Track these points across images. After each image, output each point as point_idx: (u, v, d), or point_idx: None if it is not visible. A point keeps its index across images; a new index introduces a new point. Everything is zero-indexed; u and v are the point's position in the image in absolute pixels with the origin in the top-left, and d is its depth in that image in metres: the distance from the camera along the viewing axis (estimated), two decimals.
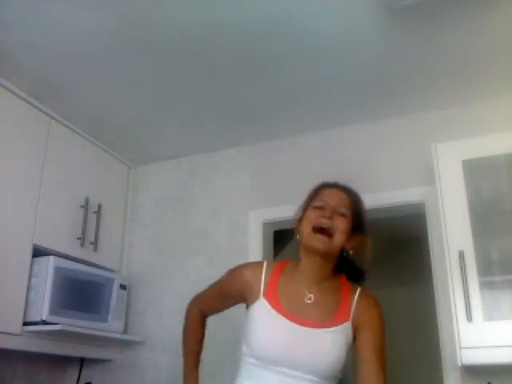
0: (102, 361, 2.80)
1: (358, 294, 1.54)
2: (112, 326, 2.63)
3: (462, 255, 2.01)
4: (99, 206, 2.73)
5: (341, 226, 1.50)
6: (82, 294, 2.50)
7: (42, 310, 2.27)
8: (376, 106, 2.56)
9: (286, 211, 2.74)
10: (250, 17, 1.95)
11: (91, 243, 2.65)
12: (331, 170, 2.70)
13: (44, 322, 2.26)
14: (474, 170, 2.16)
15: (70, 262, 2.47)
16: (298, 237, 1.58)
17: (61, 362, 2.79)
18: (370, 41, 2.08)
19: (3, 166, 2.26)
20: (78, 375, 2.79)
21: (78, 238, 2.58)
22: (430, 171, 2.22)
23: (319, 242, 1.48)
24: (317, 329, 1.45)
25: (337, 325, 1.47)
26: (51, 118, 2.53)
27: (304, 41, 2.08)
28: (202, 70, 2.28)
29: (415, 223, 2.61)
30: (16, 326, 2.21)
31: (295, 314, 1.47)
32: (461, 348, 1.95)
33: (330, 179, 1.70)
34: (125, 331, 2.76)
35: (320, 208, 1.53)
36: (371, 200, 2.55)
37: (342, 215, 1.52)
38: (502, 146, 2.11)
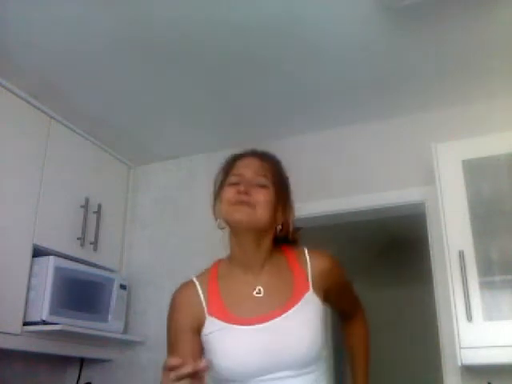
0: (102, 361, 2.80)
1: (307, 256, 1.38)
2: (112, 326, 2.63)
3: (462, 255, 2.01)
4: (99, 206, 2.73)
5: (261, 197, 1.31)
6: (81, 293, 2.50)
7: (42, 310, 2.27)
8: (376, 106, 2.56)
9: None
10: (250, 17, 1.95)
11: (91, 243, 2.65)
12: (331, 169, 2.71)
13: (44, 322, 2.26)
14: (474, 170, 2.16)
15: (70, 261, 2.47)
16: (218, 224, 1.40)
17: (61, 361, 2.79)
18: (369, 41, 2.08)
19: (3, 166, 2.25)
20: (78, 375, 2.79)
21: (77, 238, 2.58)
22: (430, 171, 2.22)
23: (241, 212, 1.29)
24: (278, 317, 1.27)
25: (298, 301, 1.30)
26: (51, 118, 2.53)
27: (304, 41, 2.08)
28: (201, 70, 2.28)
29: (415, 223, 2.61)
30: (16, 326, 2.21)
31: (250, 315, 1.28)
32: (461, 348, 1.95)
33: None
34: (125, 331, 2.76)
35: (235, 184, 1.34)
36: (371, 200, 2.57)
37: (261, 186, 1.34)
38: (502, 146, 2.11)
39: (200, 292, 1.34)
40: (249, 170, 1.38)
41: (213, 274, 1.39)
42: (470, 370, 2.13)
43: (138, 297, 2.88)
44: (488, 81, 2.32)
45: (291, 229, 1.42)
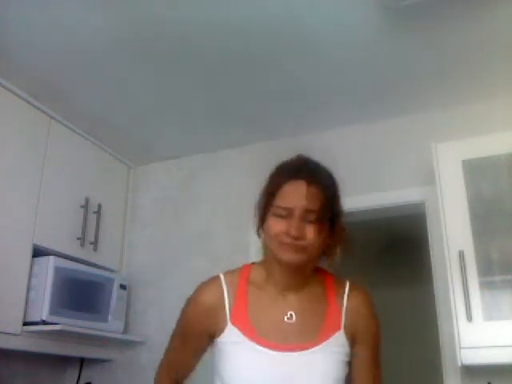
0: (102, 361, 2.80)
1: (346, 292, 1.28)
2: (112, 326, 2.63)
3: (462, 255, 2.01)
4: (99, 206, 2.73)
5: (313, 238, 1.19)
6: (82, 293, 2.50)
7: (42, 310, 2.27)
8: (376, 106, 2.56)
9: None
10: (250, 17, 1.95)
11: (91, 243, 2.65)
12: (331, 170, 2.71)
13: (44, 322, 2.26)
14: (474, 170, 2.16)
15: (70, 261, 2.47)
16: (259, 235, 1.29)
17: (61, 361, 2.79)
18: (369, 41, 2.08)
19: (3, 166, 2.25)
20: (78, 375, 2.79)
21: (77, 238, 2.58)
22: (430, 171, 2.22)
23: (291, 255, 1.19)
24: (305, 350, 1.18)
25: (328, 338, 1.21)
26: (51, 118, 2.53)
27: (304, 41, 2.08)
28: (202, 70, 2.28)
29: (415, 223, 2.61)
30: (16, 326, 2.21)
31: (275, 340, 1.19)
32: (461, 348, 1.95)
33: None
34: (125, 331, 2.76)
35: (284, 217, 1.19)
36: (371, 200, 2.57)
37: (314, 221, 1.19)
38: (502, 146, 2.11)
39: (226, 295, 1.24)
40: (301, 200, 1.19)
41: (243, 279, 1.28)
42: (470, 370, 2.13)
43: (137, 297, 2.88)
44: (488, 81, 2.32)
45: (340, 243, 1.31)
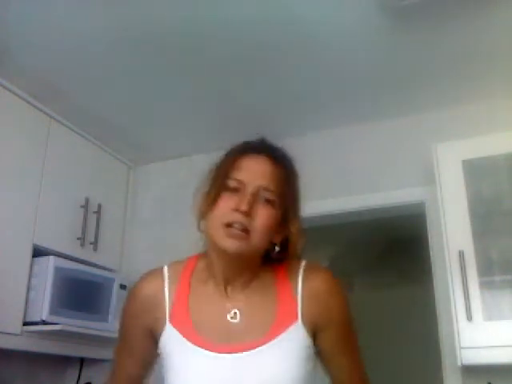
0: (102, 361, 2.79)
1: (301, 276, 1.10)
2: (112, 325, 2.63)
3: (462, 255, 2.01)
4: (99, 206, 2.73)
5: (263, 221, 1.05)
6: (81, 294, 2.50)
7: (42, 310, 2.26)
8: (376, 106, 2.56)
9: None
10: (250, 17, 1.95)
11: (91, 243, 2.65)
12: (331, 170, 2.71)
13: (44, 322, 2.26)
14: (474, 170, 2.16)
15: (70, 262, 2.47)
16: (200, 224, 1.19)
17: (61, 361, 2.79)
18: (369, 41, 2.08)
19: (3, 166, 2.25)
20: (77, 375, 2.79)
21: (77, 238, 2.57)
22: (430, 171, 2.22)
23: (232, 242, 1.05)
24: (251, 350, 1.04)
25: (279, 333, 1.05)
26: (51, 117, 2.53)
27: (303, 41, 2.08)
28: (202, 70, 2.28)
29: (415, 223, 2.61)
30: (16, 326, 2.21)
31: (218, 340, 1.05)
32: (461, 348, 1.95)
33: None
34: None
35: (234, 190, 1.07)
36: (371, 200, 2.57)
37: (267, 202, 1.07)
38: (502, 146, 2.12)
39: (166, 290, 1.12)
40: (257, 175, 1.08)
41: (187, 272, 1.15)
42: (470, 370, 2.13)
43: None
44: (488, 81, 2.32)
45: (294, 244, 1.13)
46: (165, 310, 1.10)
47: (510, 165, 2.15)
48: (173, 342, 1.07)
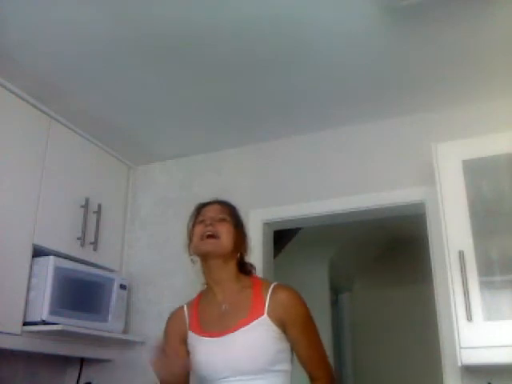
0: (102, 361, 2.80)
1: (271, 288, 1.64)
2: (112, 325, 2.63)
3: (462, 255, 2.01)
4: (99, 206, 2.73)
5: (223, 228, 1.69)
6: (82, 293, 2.50)
7: (42, 310, 2.26)
8: (376, 106, 2.56)
9: (285, 211, 2.76)
10: (250, 17, 1.95)
11: (91, 243, 2.65)
12: (331, 169, 2.71)
13: (44, 322, 2.26)
14: (474, 170, 2.16)
15: (70, 261, 2.47)
16: (191, 259, 1.80)
17: (61, 361, 2.79)
18: (369, 41, 2.09)
19: (3, 166, 2.25)
20: (77, 375, 2.79)
21: (77, 238, 2.57)
22: (430, 171, 2.22)
23: (208, 244, 1.67)
24: (234, 332, 1.59)
25: (250, 322, 1.59)
26: (51, 117, 2.53)
27: (303, 41, 2.08)
28: (202, 70, 2.28)
29: (415, 223, 2.61)
30: (16, 326, 2.21)
31: (215, 330, 1.63)
32: (461, 348, 1.95)
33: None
34: (125, 331, 2.76)
35: (202, 222, 1.73)
36: (371, 200, 2.57)
37: (222, 220, 1.72)
38: (502, 146, 2.11)
39: (186, 314, 1.75)
40: (212, 211, 1.76)
41: (196, 301, 1.78)
42: (470, 370, 2.13)
43: (137, 297, 2.88)
44: (488, 81, 2.32)
45: (245, 258, 1.77)
46: (186, 325, 1.73)
47: (510, 165, 2.15)
48: (192, 340, 1.69)
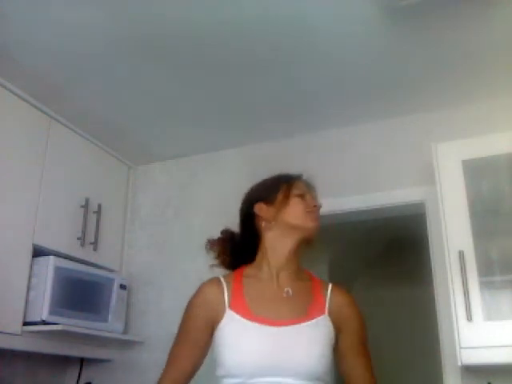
0: (102, 361, 2.80)
1: (330, 287, 1.49)
2: (112, 326, 2.63)
3: (462, 255, 2.01)
4: (99, 206, 2.73)
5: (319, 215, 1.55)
6: (82, 293, 2.50)
7: (42, 309, 2.26)
8: (376, 106, 2.56)
9: None
10: (250, 17, 1.95)
11: (91, 243, 2.65)
12: (331, 170, 2.71)
13: (44, 322, 2.26)
14: (474, 170, 2.16)
15: (70, 261, 2.47)
16: (267, 227, 1.51)
17: (61, 362, 2.79)
18: (369, 41, 2.08)
19: (3, 166, 2.25)
20: (77, 375, 2.79)
21: (77, 238, 2.57)
22: (430, 171, 2.21)
23: (316, 221, 1.50)
24: (295, 325, 1.36)
25: (314, 317, 1.39)
26: (51, 117, 2.53)
27: (303, 41, 2.08)
28: (202, 70, 2.28)
29: (415, 223, 2.61)
30: (16, 326, 2.21)
31: (268, 316, 1.37)
32: (461, 348, 1.95)
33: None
34: (125, 331, 2.76)
35: (301, 196, 1.53)
36: (371, 200, 2.57)
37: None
38: (502, 146, 2.11)
39: (225, 287, 1.43)
40: (311, 193, 1.58)
41: (238, 276, 1.49)
42: (470, 370, 2.13)
43: (137, 297, 2.88)
44: (488, 81, 2.32)
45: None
46: (225, 301, 1.40)
47: (510, 165, 2.15)
48: (232, 323, 1.37)
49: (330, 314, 1.42)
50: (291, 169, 2.80)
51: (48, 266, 2.33)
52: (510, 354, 1.89)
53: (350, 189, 2.63)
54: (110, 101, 2.52)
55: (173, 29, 2.01)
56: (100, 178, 2.85)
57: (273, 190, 1.55)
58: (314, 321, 1.38)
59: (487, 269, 2.06)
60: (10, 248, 2.23)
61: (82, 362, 2.80)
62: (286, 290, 1.44)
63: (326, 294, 1.46)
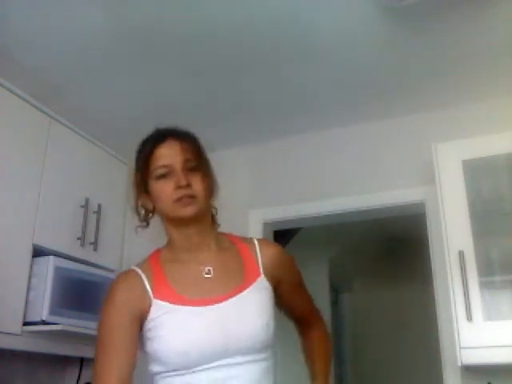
0: None
1: (257, 244, 1.38)
2: None
3: (462, 255, 2.01)
4: (99, 206, 2.73)
5: (200, 186, 1.31)
6: (82, 293, 2.50)
7: (42, 310, 2.26)
8: (376, 106, 2.56)
9: (285, 211, 2.76)
10: (250, 17, 1.95)
11: (91, 243, 2.64)
12: (331, 169, 2.71)
13: (44, 322, 2.26)
14: (474, 170, 2.16)
15: (69, 261, 2.47)
16: (142, 218, 1.46)
17: (61, 362, 2.78)
18: (369, 41, 2.09)
19: (3, 166, 2.25)
20: (77, 375, 2.79)
21: (78, 238, 2.57)
22: (430, 171, 2.22)
23: (186, 208, 1.28)
24: (232, 298, 1.24)
25: (249, 285, 1.28)
26: (51, 117, 2.53)
27: (303, 41, 2.08)
28: (202, 71, 2.28)
29: (415, 223, 2.61)
30: (16, 326, 2.20)
31: (202, 296, 1.23)
32: (461, 348, 1.95)
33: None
34: None
35: (166, 176, 1.30)
36: (371, 200, 2.58)
37: (194, 170, 1.32)
38: (502, 146, 2.12)
39: (144, 278, 1.27)
40: (174, 156, 1.34)
41: (154, 261, 1.35)
42: (470, 370, 2.13)
43: None
44: (488, 81, 2.32)
45: (214, 207, 1.45)
46: (147, 290, 1.25)
47: (510, 165, 2.15)
48: (163, 311, 1.22)
49: (265, 271, 1.32)
50: (291, 169, 2.81)
51: (48, 266, 2.33)
52: (510, 354, 1.90)
53: (351, 189, 2.63)
54: (109, 101, 2.52)
55: (173, 29, 2.01)
56: (100, 178, 2.84)
57: (137, 169, 1.39)
58: (253, 286, 1.28)
59: (487, 269, 2.06)
60: (9, 248, 2.22)
61: (81, 361, 2.79)
62: (206, 269, 1.29)
63: (256, 253, 1.35)
